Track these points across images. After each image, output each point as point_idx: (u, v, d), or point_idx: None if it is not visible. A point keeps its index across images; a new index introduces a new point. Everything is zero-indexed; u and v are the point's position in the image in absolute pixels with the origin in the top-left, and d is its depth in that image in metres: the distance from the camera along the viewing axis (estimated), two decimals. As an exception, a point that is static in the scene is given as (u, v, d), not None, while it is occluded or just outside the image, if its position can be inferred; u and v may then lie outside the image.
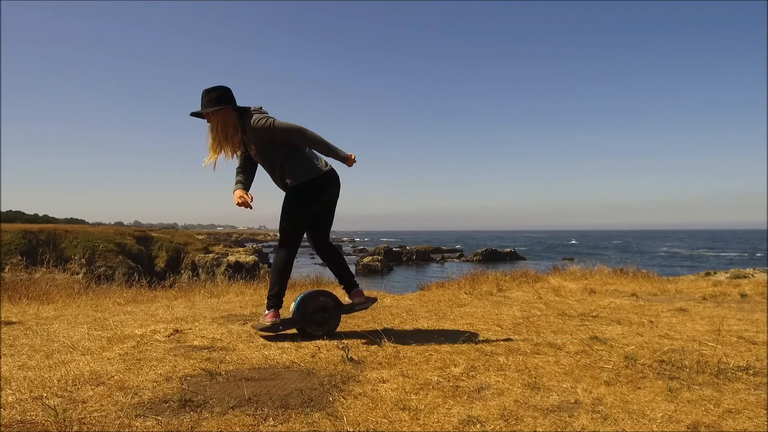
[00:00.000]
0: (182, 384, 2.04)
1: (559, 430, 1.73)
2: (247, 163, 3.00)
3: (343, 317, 3.72)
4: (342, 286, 3.22)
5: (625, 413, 1.87)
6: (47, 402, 1.78)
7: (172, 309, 3.98)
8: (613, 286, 5.93)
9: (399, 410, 1.84)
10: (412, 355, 2.60)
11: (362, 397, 1.97)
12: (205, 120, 2.86)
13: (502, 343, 2.90)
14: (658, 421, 1.81)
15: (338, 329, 3.10)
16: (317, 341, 2.79)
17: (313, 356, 2.51)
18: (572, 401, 1.99)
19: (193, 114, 2.84)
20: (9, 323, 3.27)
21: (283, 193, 2.95)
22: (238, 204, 2.86)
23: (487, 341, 2.94)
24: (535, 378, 2.26)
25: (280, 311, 2.95)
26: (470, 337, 3.02)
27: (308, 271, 8.53)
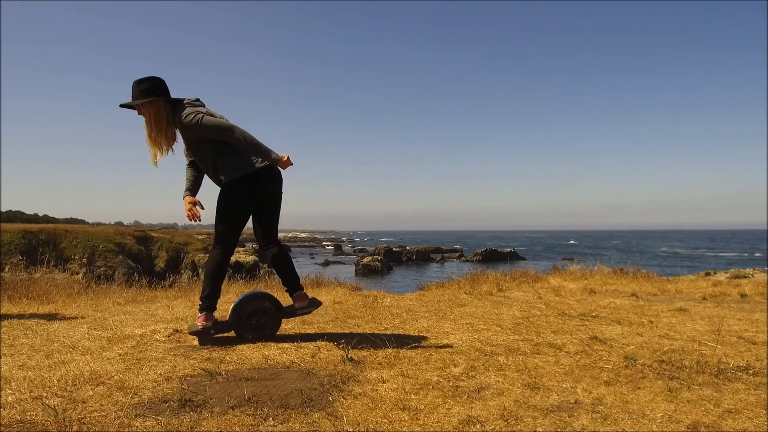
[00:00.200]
0: (182, 384, 2.04)
1: (559, 430, 1.73)
2: (194, 159, 2.89)
3: (342, 317, 3.72)
4: (285, 289, 3.02)
5: (625, 413, 1.87)
6: (47, 402, 1.78)
7: (172, 309, 3.99)
8: (613, 286, 5.93)
9: (399, 410, 1.84)
10: (412, 355, 2.60)
11: (362, 397, 1.97)
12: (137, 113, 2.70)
13: (502, 343, 2.90)
14: (658, 421, 1.81)
15: (338, 329, 3.10)
16: (317, 341, 2.79)
17: (313, 356, 2.51)
18: (572, 401, 1.99)
19: (122, 105, 2.68)
20: (8, 322, 3.27)
21: None
22: (188, 217, 2.75)
23: (487, 341, 2.94)
24: (535, 378, 2.26)
25: (216, 314, 2.85)
26: (470, 337, 3.02)
27: (308, 271, 8.54)
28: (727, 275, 7.56)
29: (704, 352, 2.76)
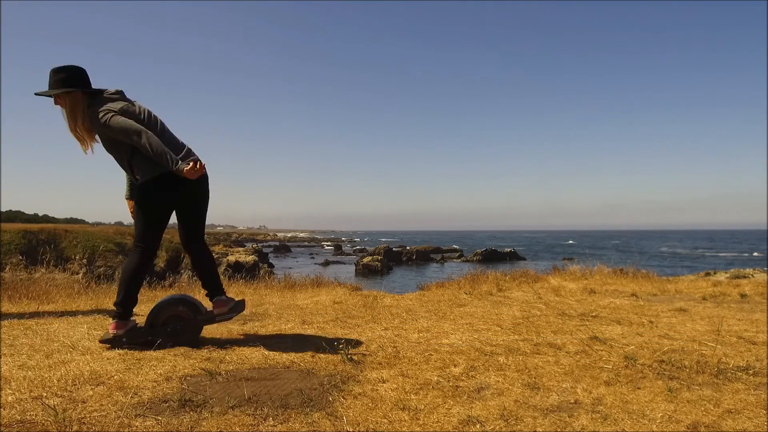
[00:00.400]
0: (182, 384, 2.04)
1: (559, 430, 1.73)
2: None
3: (342, 317, 3.71)
4: (205, 292, 2.87)
5: (624, 413, 1.87)
6: (47, 402, 1.78)
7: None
8: (612, 286, 5.93)
9: (399, 410, 1.84)
10: (412, 355, 2.60)
11: (362, 397, 1.97)
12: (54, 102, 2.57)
13: (502, 343, 2.90)
14: (658, 421, 1.81)
15: (338, 329, 3.10)
16: (317, 341, 2.79)
17: (313, 356, 2.51)
18: (572, 401, 1.99)
19: (37, 93, 2.54)
20: (8, 322, 3.26)
21: None
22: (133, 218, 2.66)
23: (487, 341, 2.94)
24: (534, 378, 2.26)
25: (132, 320, 2.72)
26: (470, 337, 3.02)
27: (308, 271, 8.53)
28: (727, 275, 7.56)
29: (704, 352, 2.76)
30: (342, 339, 2.81)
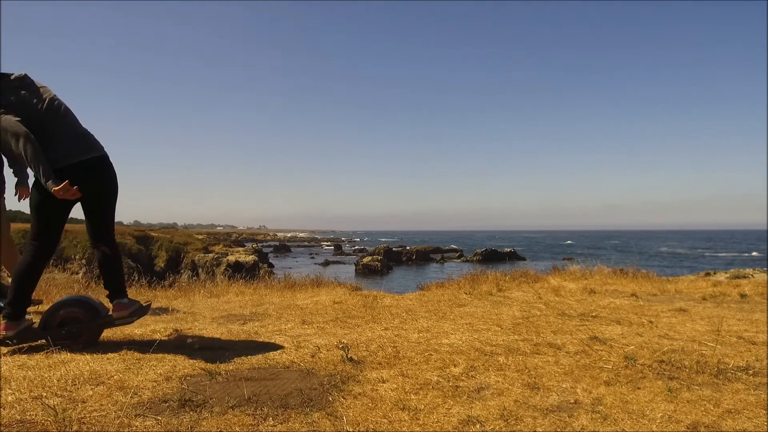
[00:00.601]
0: (182, 384, 2.04)
1: (558, 430, 1.73)
2: None
3: (342, 317, 3.72)
4: (107, 294, 2.74)
5: (624, 413, 1.87)
6: (47, 401, 1.78)
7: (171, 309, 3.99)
8: (612, 286, 5.93)
9: (399, 410, 1.84)
10: (412, 355, 2.60)
11: (362, 397, 1.97)
12: None
13: (502, 343, 2.90)
14: (658, 421, 1.81)
15: (338, 329, 3.10)
16: (317, 341, 2.79)
17: (312, 356, 2.51)
18: (572, 401, 1.99)
19: None
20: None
21: None
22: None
23: (487, 341, 2.94)
24: (534, 378, 2.26)
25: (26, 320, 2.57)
26: (470, 337, 3.02)
27: (308, 271, 8.53)
28: (727, 275, 7.56)
29: (704, 352, 2.76)
30: (342, 339, 2.81)
